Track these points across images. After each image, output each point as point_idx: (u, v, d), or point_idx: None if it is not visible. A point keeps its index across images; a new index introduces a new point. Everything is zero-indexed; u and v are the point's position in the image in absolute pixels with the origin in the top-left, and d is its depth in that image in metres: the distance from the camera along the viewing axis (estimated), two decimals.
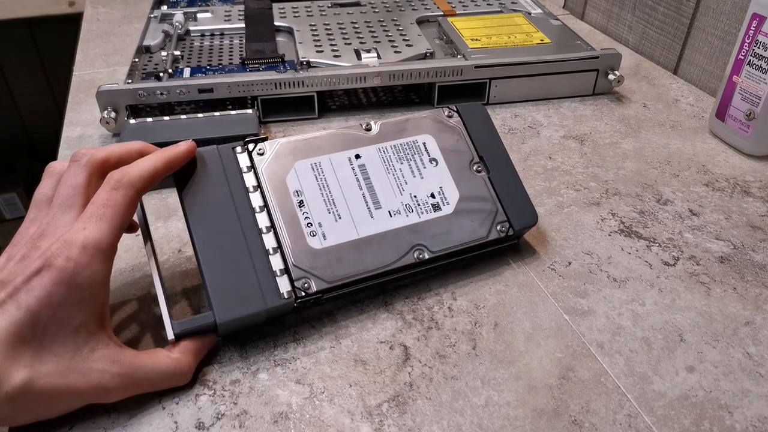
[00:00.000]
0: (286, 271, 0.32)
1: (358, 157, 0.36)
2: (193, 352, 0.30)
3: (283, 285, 0.31)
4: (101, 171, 0.30)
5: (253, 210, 0.33)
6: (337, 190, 0.34)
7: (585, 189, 0.45)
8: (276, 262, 0.32)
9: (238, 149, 0.34)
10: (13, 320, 0.25)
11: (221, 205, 0.32)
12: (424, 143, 0.37)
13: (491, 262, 0.38)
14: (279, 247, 0.32)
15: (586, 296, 0.36)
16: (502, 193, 0.37)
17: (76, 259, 0.26)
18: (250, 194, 0.33)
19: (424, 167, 0.36)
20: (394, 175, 0.36)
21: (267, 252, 0.32)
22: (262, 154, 0.34)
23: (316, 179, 0.34)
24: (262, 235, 0.32)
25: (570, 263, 0.38)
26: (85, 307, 0.27)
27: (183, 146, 0.32)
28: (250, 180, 0.33)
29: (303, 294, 0.31)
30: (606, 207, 0.43)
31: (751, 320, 0.34)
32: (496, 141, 0.38)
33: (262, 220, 0.33)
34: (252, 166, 0.34)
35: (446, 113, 0.38)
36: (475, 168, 0.37)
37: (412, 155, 0.36)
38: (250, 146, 0.34)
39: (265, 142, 0.35)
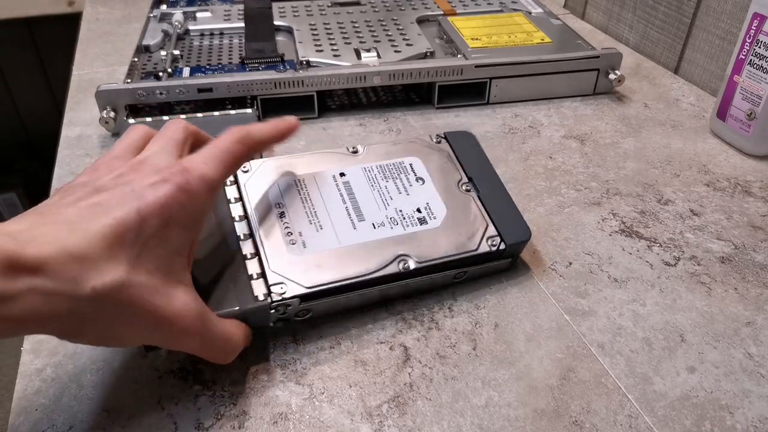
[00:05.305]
0: (263, 275, 0.31)
1: (342, 174, 0.36)
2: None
3: (258, 288, 0.31)
4: (193, 139, 0.31)
5: (232, 219, 0.33)
6: (320, 203, 0.34)
7: (586, 189, 0.45)
8: (253, 267, 0.31)
9: None
10: (121, 218, 0.24)
11: None
12: (410, 164, 0.37)
13: None
14: (257, 253, 0.32)
15: (586, 296, 0.35)
16: (492, 211, 0.36)
17: (195, 184, 0.27)
18: (230, 204, 0.34)
19: (411, 185, 0.36)
20: (379, 191, 0.35)
21: (244, 257, 0.32)
22: (246, 171, 0.35)
23: (299, 193, 0.35)
24: (240, 241, 0.32)
25: (570, 263, 0.38)
26: (185, 236, 0.27)
27: (293, 121, 0.33)
28: (232, 192, 0.34)
29: (279, 299, 0.31)
30: (607, 207, 0.43)
31: (752, 320, 0.34)
32: (485, 163, 0.38)
33: (241, 228, 0.33)
34: (235, 181, 0.35)
35: (434, 140, 0.39)
36: (464, 188, 0.37)
37: (398, 174, 0.36)
38: None
39: (251, 161, 0.35)
